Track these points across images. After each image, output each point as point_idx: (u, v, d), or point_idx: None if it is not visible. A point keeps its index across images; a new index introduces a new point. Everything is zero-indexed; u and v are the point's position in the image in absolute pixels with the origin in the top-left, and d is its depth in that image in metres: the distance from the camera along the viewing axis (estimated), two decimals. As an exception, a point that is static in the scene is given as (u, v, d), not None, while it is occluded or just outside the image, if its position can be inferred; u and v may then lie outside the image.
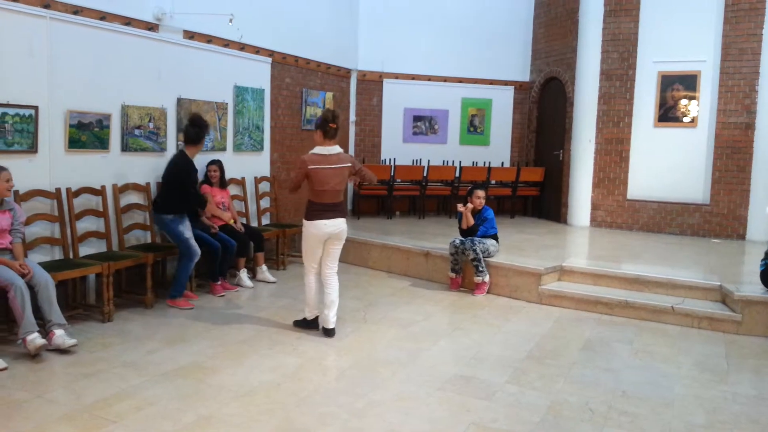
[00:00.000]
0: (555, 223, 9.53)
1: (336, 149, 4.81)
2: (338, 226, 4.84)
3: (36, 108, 4.99)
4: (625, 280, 6.04)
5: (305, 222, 4.83)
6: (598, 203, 9.06)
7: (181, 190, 5.53)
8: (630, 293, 5.87)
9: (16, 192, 4.73)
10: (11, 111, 4.80)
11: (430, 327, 5.26)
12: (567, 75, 9.42)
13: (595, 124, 9.00)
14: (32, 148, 5.00)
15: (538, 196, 10.13)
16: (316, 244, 4.84)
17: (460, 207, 6.52)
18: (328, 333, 4.89)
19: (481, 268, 6.23)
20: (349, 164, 4.89)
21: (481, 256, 6.22)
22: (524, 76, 10.50)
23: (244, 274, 6.34)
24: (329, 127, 4.76)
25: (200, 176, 6.47)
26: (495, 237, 6.50)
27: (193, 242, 5.58)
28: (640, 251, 7.36)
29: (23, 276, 4.27)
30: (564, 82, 9.51)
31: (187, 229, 5.59)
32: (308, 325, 5.02)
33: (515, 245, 7.27)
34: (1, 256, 4.35)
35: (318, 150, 4.79)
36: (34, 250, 4.94)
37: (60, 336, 4.31)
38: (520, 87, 10.50)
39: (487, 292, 6.31)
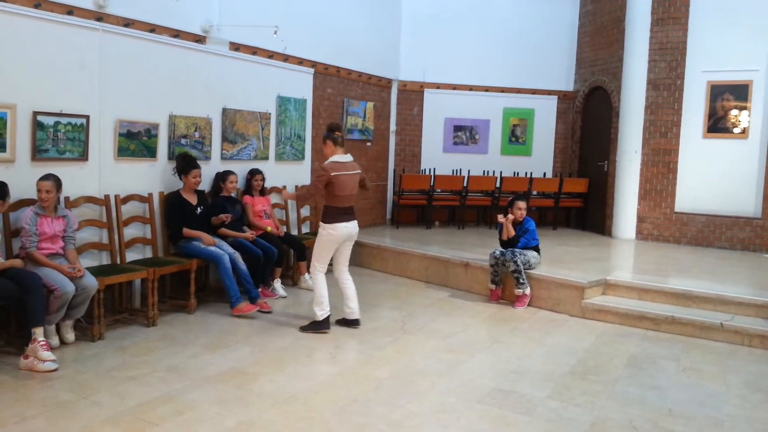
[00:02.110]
0: (599, 235, 9.33)
1: (349, 157, 5.20)
2: (354, 227, 5.24)
3: (87, 117, 5.16)
4: (672, 295, 5.87)
5: (325, 225, 5.13)
6: (645, 216, 8.84)
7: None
8: (677, 309, 5.70)
9: (66, 198, 4.90)
10: (63, 120, 4.98)
11: (469, 339, 5.21)
12: (613, 84, 9.25)
13: (641, 134, 8.80)
14: (83, 156, 5.17)
15: (582, 207, 9.94)
16: (333, 246, 5.17)
17: (500, 218, 6.45)
18: (355, 323, 5.31)
19: (522, 281, 6.13)
20: (360, 171, 5.27)
21: (521, 267, 6.12)
22: (568, 85, 10.35)
23: (278, 284, 6.38)
24: (336, 135, 5.13)
25: (241, 185, 6.60)
26: (536, 249, 6.40)
27: (212, 250, 5.64)
28: (687, 265, 7.14)
29: (73, 277, 4.44)
30: (609, 92, 9.34)
31: (196, 238, 5.69)
32: (320, 326, 5.16)
33: (557, 257, 7.15)
34: (54, 260, 4.52)
35: (336, 158, 5.12)
36: (83, 255, 5.08)
37: (68, 325, 4.62)
38: (563, 96, 10.36)
39: (528, 305, 6.21)
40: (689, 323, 5.47)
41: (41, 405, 3.59)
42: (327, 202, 5.14)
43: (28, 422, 3.37)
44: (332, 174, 5.01)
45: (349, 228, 5.17)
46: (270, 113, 7.25)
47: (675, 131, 8.62)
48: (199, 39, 6.29)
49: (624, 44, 8.92)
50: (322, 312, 5.14)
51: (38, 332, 4.12)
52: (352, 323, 5.31)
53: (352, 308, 5.31)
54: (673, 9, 8.52)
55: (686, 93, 8.53)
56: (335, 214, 5.10)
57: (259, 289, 6.11)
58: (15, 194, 4.51)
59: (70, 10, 5.02)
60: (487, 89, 10.20)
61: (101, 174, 5.35)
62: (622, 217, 8.95)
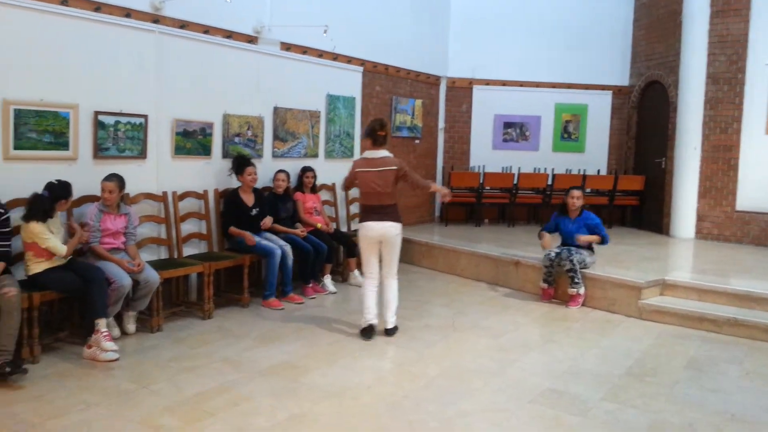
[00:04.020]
0: (656, 234, 9.06)
1: (381, 153, 4.91)
2: (385, 229, 4.87)
3: (145, 117, 5.33)
4: (734, 297, 5.63)
5: (359, 224, 5.00)
6: (704, 214, 8.53)
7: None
8: (739, 310, 5.46)
9: (126, 195, 5.05)
10: (123, 120, 5.15)
11: (521, 338, 5.13)
12: (670, 79, 8.96)
13: (700, 130, 8.50)
14: (142, 154, 5.34)
15: (638, 205, 9.66)
16: (367, 247, 4.95)
17: (543, 242, 6.24)
18: (388, 333, 5.00)
19: (576, 280, 6.00)
20: (395, 167, 4.90)
21: (577, 267, 5.99)
22: (623, 80, 10.08)
23: (328, 280, 6.44)
24: (377, 135, 4.91)
25: (293, 182, 6.68)
26: (591, 248, 6.25)
27: (264, 243, 5.77)
28: (750, 266, 6.86)
29: (133, 272, 4.61)
30: (666, 86, 9.06)
31: (255, 237, 5.79)
32: (361, 334, 4.96)
33: (613, 257, 6.96)
34: (115, 255, 4.69)
35: (365, 154, 4.99)
36: (143, 250, 5.25)
37: (130, 316, 4.80)
38: (618, 91, 10.09)
39: (582, 305, 6.07)
40: (753, 325, 5.24)
41: (104, 393, 3.72)
42: (360, 199, 5.12)
43: (92, 409, 3.50)
44: (356, 170, 4.96)
45: (375, 229, 4.85)
46: (320, 111, 7.33)
47: (736, 127, 8.28)
48: (251, 39, 6.40)
49: (681, 37, 8.63)
50: (362, 320, 4.97)
51: (101, 323, 4.27)
52: (385, 332, 5.00)
53: (384, 315, 4.99)
54: (733, 0, 8.19)
55: (748, 87, 8.18)
56: (362, 212, 5.04)
57: (310, 285, 6.21)
58: (77, 191, 4.67)
59: (128, 13, 5.19)
60: (537, 85, 10.04)
61: (159, 171, 5.51)
62: (680, 215, 8.67)
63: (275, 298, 5.78)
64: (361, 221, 5.01)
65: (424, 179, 5.21)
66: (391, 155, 4.96)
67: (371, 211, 4.92)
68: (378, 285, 5.01)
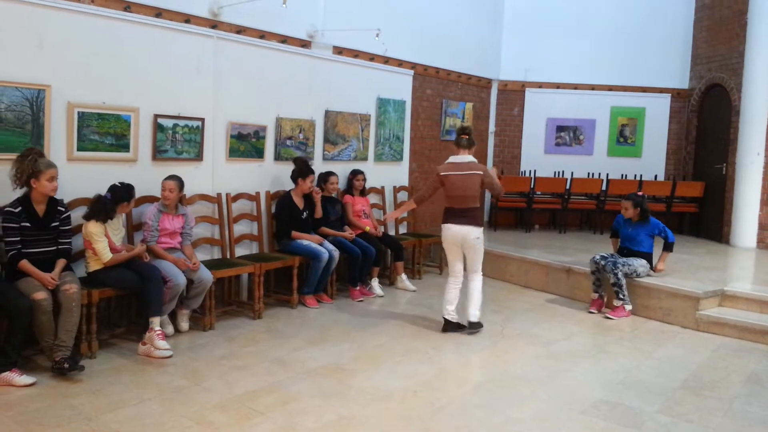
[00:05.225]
0: (715, 243, 8.72)
1: (468, 158, 5.11)
2: (464, 233, 5.04)
3: (202, 120, 5.47)
4: (799, 310, 5.38)
5: (442, 225, 5.18)
6: (767, 223, 8.16)
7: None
8: (806, 324, 5.21)
9: (183, 196, 5.20)
10: (181, 123, 5.30)
11: (573, 347, 5.02)
12: (732, 82, 8.61)
13: (764, 135, 8.14)
14: (198, 157, 5.48)
15: (697, 213, 9.32)
16: (450, 248, 5.18)
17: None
18: (471, 326, 5.14)
19: (621, 296, 5.80)
20: (480, 173, 5.08)
21: (623, 282, 5.77)
22: (683, 82, 9.74)
23: (375, 283, 6.46)
24: (460, 138, 5.14)
25: (342, 185, 6.74)
26: (646, 256, 6.06)
27: (314, 246, 5.83)
28: (818, 278, 6.53)
29: (189, 270, 4.74)
30: (729, 90, 8.71)
31: (304, 240, 5.87)
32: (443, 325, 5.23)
33: (669, 265, 6.69)
34: (172, 254, 4.82)
35: (450, 159, 5.18)
36: (197, 249, 5.36)
37: (184, 314, 4.92)
38: (677, 94, 9.77)
39: (636, 315, 5.87)
40: (820, 341, 4.99)
41: (157, 389, 3.83)
42: (444, 202, 5.22)
43: (146, 404, 3.61)
44: (441, 174, 5.09)
45: (455, 231, 5.06)
46: (370, 115, 7.36)
47: (804, 132, 7.91)
48: (304, 44, 6.49)
49: (746, 39, 8.29)
50: (443, 312, 5.20)
51: (155, 322, 4.39)
52: (470, 326, 5.16)
53: (468, 309, 5.15)
54: (805, -2, 7.83)
55: (818, 90, 7.81)
56: (445, 214, 5.15)
57: (357, 288, 6.24)
58: (137, 192, 4.80)
59: (188, 19, 5.34)
60: (593, 87, 9.81)
61: (214, 173, 5.65)
62: (741, 224, 8.32)
63: (312, 296, 5.88)
64: (443, 223, 5.15)
65: (497, 182, 5.29)
66: (476, 161, 5.13)
67: (454, 214, 5.08)
68: (459, 283, 5.20)
